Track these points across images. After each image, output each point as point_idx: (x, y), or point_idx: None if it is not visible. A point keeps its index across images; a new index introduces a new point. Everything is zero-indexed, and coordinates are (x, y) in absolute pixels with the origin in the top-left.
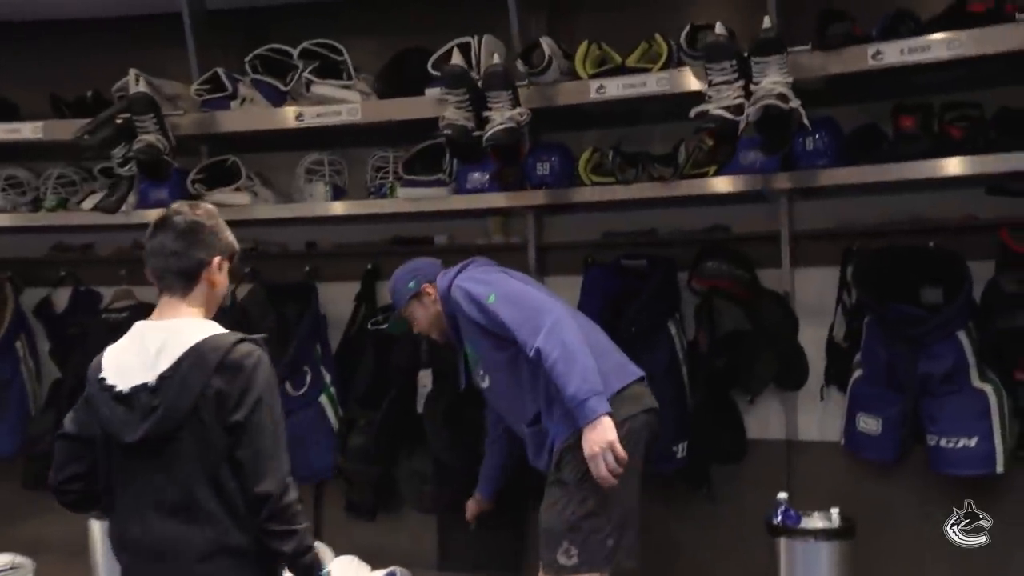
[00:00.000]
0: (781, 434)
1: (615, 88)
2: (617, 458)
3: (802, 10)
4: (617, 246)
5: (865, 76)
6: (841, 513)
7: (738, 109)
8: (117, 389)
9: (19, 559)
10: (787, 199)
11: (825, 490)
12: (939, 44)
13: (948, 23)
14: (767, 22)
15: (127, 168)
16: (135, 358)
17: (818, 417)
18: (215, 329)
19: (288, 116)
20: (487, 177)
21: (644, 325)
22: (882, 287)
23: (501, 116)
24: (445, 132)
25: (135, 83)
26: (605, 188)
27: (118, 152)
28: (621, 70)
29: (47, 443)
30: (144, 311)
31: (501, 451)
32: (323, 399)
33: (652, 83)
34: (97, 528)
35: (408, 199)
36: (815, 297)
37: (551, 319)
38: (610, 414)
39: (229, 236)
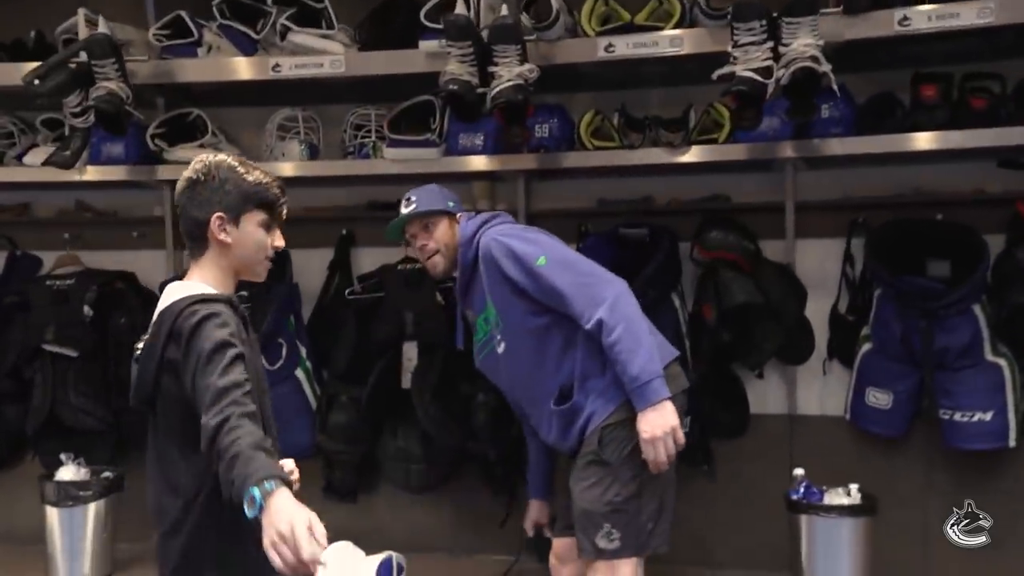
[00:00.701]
0: (782, 408)
1: (625, 47)
2: (676, 443)
3: None
4: (613, 215)
5: (888, 43)
6: (859, 489)
7: (767, 72)
8: (136, 353)
9: None
10: (792, 168)
11: (829, 465)
12: (968, 11)
13: None
14: None
15: (83, 119)
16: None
17: (818, 391)
18: (188, 292)
19: (263, 66)
20: (481, 138)
21: (650, 298)
22: (891, 260)
23: (509, 72)
24: (449, 88)
25: (84, 25)
26: (611, 153)
27: (72, 100)
28: (628, 28)
29: None
30: (93, 278)
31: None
32: (299, 373)
33: (665, 43)
34: (55, 517)
35: (395, 160)
36: (816, 269)
37: (614, 291)
38: (671, 398)
39: (250, 186)
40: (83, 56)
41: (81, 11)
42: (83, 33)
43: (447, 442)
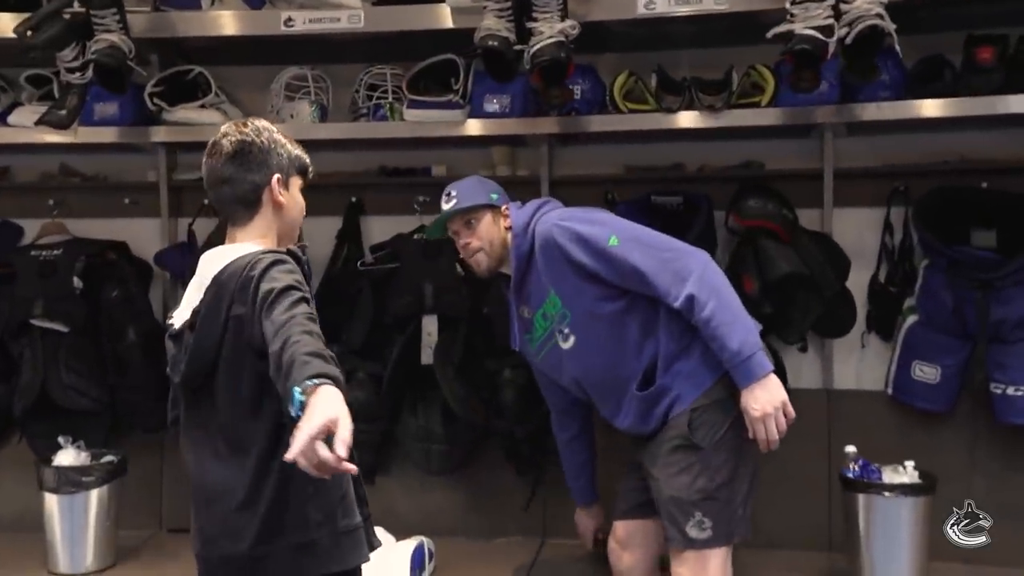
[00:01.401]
0: (817, 383)
1: (666, 4)
2: (788, 417)
3: None
4: (641, 182)
5: (941, 1)
6: (915, 467)
7: (828, 30)
8: (172, 326)
9: None
10: (832, 134)
11: (868, 442)
12: None
13: None
14: None
15: (80, 75)
16: (190, 293)
17: (855, 365)
18: (248, 251)
19: (275, 21)
20: (508, 99)
21: None
22: (936, 230)
23: (550, 28)
24: (489, 44)
25: None
26: (647, 116)
27: (67, 54)
28: None
29: None
30: (81, 247)
31: (587, 445)
32: None
33: (710, 0)
34: (55, 504)
35: (416, 122)
36: (854, 239)
37: (698, 263)
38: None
39: (292, 150)
40: (76, 5)
41: None
42: None
43: (472, 420)
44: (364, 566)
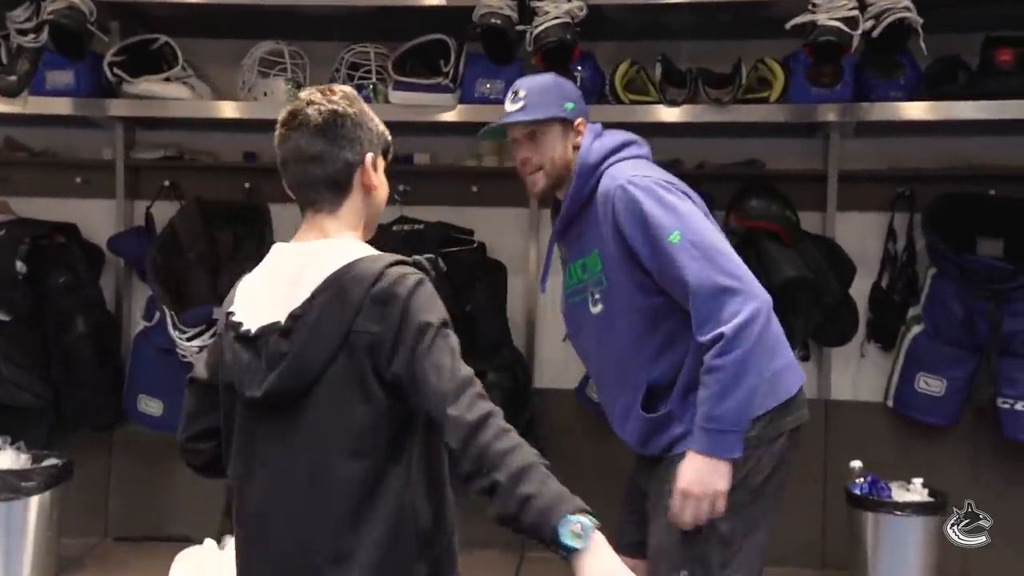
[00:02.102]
0: (813, 393)
1: None
2: (713, 512)
3: None
4: None
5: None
6: (924, 484)
7: (852, 23)
8: (244, 328)
9: None
10: (839, 135)
11: (866, 455)
12: None
13: None
14: None
15: (32, 37)
16: (269, 289)
17: (852, 375)
18: (365, 251)
19: None
20: (502, 84)
21: None
22: (946, 237)
23: (556, 9)
24: (492, 22)
25: None
26: (649, 108)
27: (19, 14)
28: None
29: None
30: (26, 228)
31: None
32: None
33: None
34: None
35: (402, 105)
36: (856, 244)
37: (751, 308)
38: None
39: (379, 124)
40: None
41: None
42: None
43: None
44: None
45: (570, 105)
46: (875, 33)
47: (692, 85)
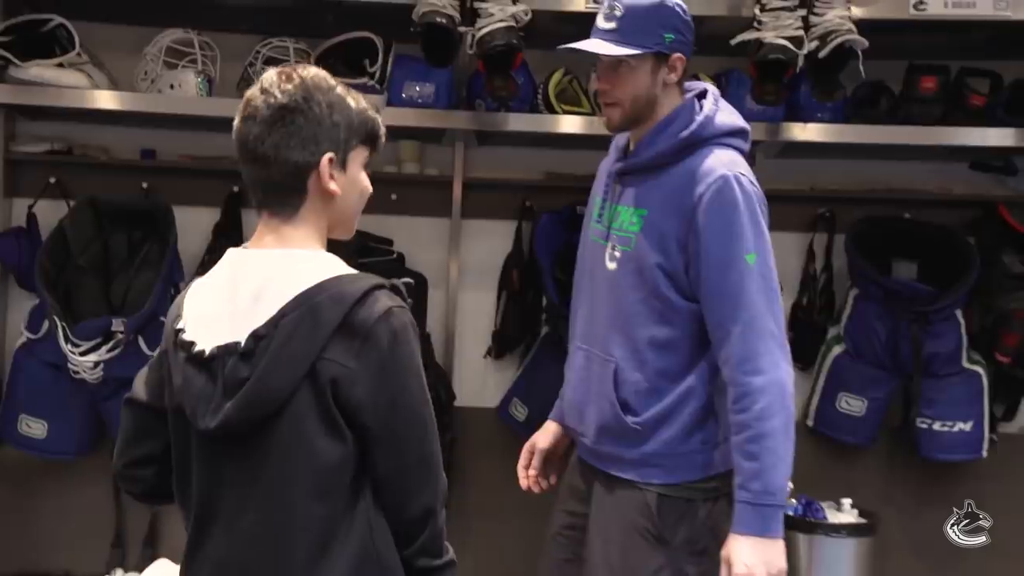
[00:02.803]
0: None
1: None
2: None
3: None
4: (561, 190)
5: (892, 28)
6: (852, 504)
7: (798, 42)
8: (197, 348)
9: None
10: (763, 155)
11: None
12: (985, 2)
13: None
14: None
15: None
16: (225, 303)
17: None
18: (337, 268)
19: None
20: (431, 88)
21: None
22: (867, 259)
23: (502, 11)
24: (436, 20)
25: None
26: (580, 119)
27: None
28: None
29: None
30: None
31: None
32: None
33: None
34: None
35: None
36: (777, 264)
37: (788, 366)
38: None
39: (352, 114)
40: None
41: None
42: None
43: None
44: None
45: (670, 36)
46: (822, 54)
47: None
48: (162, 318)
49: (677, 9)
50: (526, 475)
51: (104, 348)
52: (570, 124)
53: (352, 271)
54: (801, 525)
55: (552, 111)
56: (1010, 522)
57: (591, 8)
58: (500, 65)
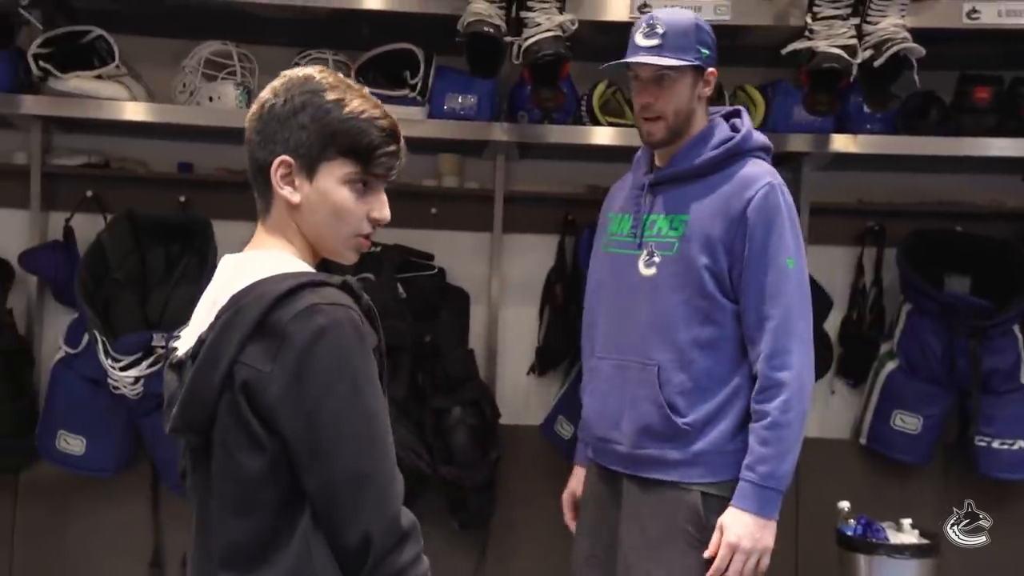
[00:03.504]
0: None
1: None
2: (757, 570)
3: None
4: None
5: (944, 37)
6: (912, 525)
7: (851, 51)
8: (176, 353)
9: None
10: (810, 167)
11: (836, 493)
12: None
13: None
14: None
15: None
16: (202, 310)
17: (820, 412)
18: (286, 267)
19: None
20: (474, 99)
21: None
22: (919, 272)
23: (549, 21)
24: (483, 30)
25: None
26: (625, 132)
27: None
28: None
29: None
30: None
31: None
32: None
33: (709, 9)
34: None
35: None
36: (825, 279)
37: (811, 366)
38: None
39: (328, 119)
40: None
41: None
42: None
43: (415, 467)
44: None
45: (706, 52)
46: (877, 63)
47: None
48: None
49: (707, 27)
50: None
51: (144, 363)
52: (612, 136)
53: (303, 271)
54: (862, 546)
55: (596, 123)
56: None
57: (634, 17)
58: (547, 75)
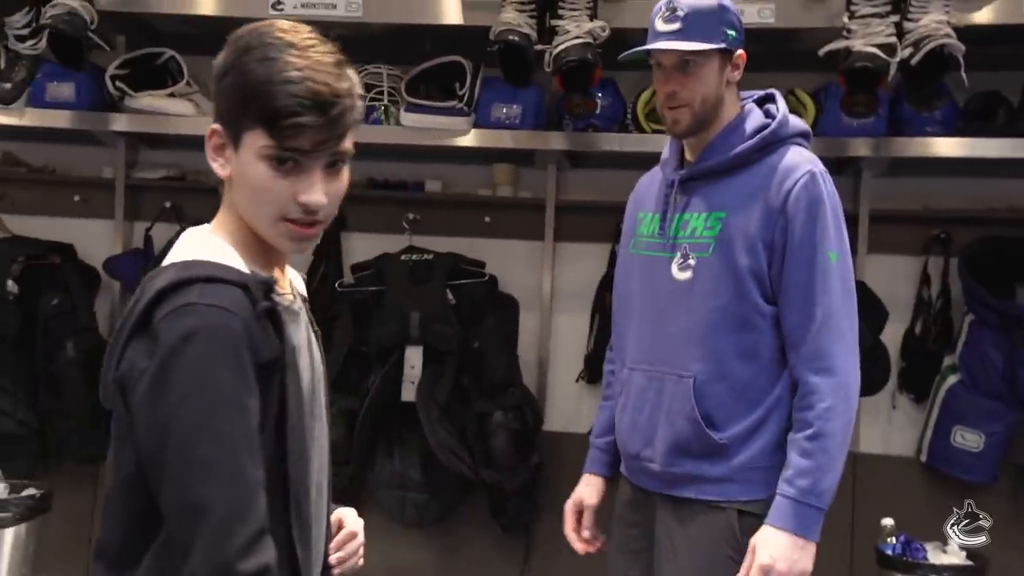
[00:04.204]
0: None
1: None
2: None
3: None
4: None
5: (1010, 36)
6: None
7: (890, 50)
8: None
9: None
10: (870, 173)
11: (898, 512)
12: None
13: None
14: None
15: (31, 44)
16: None
17: (883, 427)
18: (194, 254)
19: (262, 2)
20: (518, 109)
21: None
22: (985, 283)
23: (577, 28)
24: (509, 39)
25: None
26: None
27: (17, 20)
28: None
29: None
30: (20, 247)
31: None
32: None
33: (753, 13)
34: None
35: (415, 128)
36: (887, 288)
37: (857, 369)
38: None
39: (247, 80)
40: None
41: None
42: None
43: (456, 468)
44: None
45: (733, 33)
46: (914, 60)
47: None
48: None
49: (733, 7)
50: (579, 538)
51: None
52: (660, 143)
53: (203, 258)
54: (899, 565)
55: (640, 130)
56: None
57: None
58: (577, 82)
